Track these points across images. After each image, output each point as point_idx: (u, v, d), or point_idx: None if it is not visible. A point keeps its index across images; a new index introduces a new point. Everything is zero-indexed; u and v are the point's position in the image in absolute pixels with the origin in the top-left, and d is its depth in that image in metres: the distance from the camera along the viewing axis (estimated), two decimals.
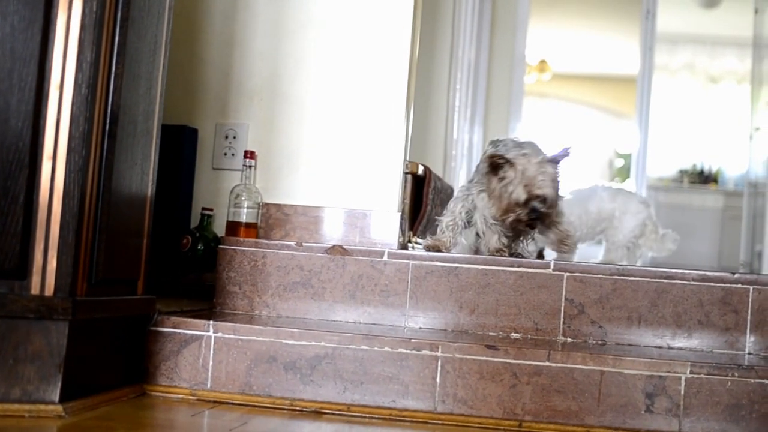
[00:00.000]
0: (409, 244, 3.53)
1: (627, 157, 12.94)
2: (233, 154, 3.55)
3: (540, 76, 12.57)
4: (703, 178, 11.63)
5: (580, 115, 14.37)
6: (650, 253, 4.64)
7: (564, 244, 3.18)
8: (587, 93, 14.28)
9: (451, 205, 3.30)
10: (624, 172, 13.38)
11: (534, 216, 3.04)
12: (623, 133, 12.65)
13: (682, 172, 11.72)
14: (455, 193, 3.43)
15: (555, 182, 3.05)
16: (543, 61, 12.46)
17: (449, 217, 3.26)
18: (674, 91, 12.40)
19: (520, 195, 3.00)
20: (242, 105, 3.57)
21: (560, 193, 3.13)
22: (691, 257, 9.71)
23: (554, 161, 3.05)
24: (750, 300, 2.89)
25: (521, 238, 3.30)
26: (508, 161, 3.01)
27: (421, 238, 3.67)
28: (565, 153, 3.06)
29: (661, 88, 11.34)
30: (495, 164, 3.02)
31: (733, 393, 2.51)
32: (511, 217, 3.06)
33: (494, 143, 3.20)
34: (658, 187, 10.85)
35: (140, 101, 2.61)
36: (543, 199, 3.02)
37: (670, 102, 12.23)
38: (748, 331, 2.88)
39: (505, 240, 3.21)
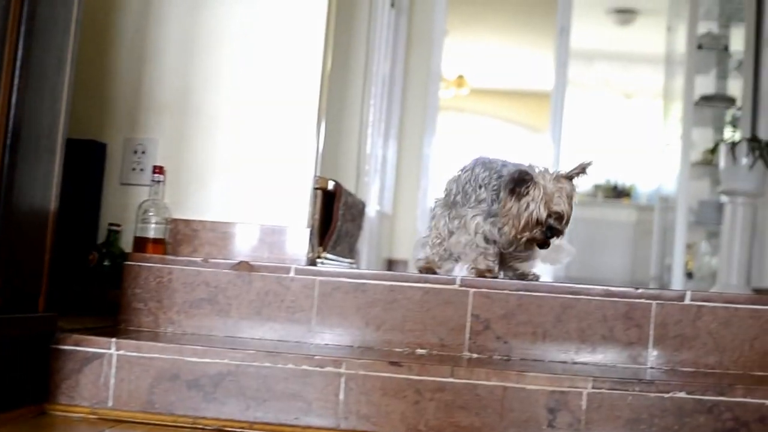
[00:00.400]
0: (319, 260, 3.52)
1: None
2: (142, 170, 3.52)
3: (458, 91, 12.65)
4: (617, 193, 11.82)
5: (498, 130, 14.48)
6: (546, 264, 4.65)
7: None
8: (504, 108, 14.40)
9: (437, 222, 3.24)
10: None
11: (549, 234, 2.98)
12: (539, 148, 12.75)
13: (597, 187, 11.89)
14: (435, 210, 3.30)
15: (570, 199, 3.00)
16: (461, 77, 12.53)
17: (434, 234, 3.23)
18: (589, 107, 12.58)
19: (542, 213, 2.93)
20: (152, 120, 3.55)
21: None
22: (605, 271, 9.84)
23: (569, 177, 3.01)
24: (653, 315, 2.93)
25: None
26: (531, 178, 2.95)
27: (331, 254, 3.67)
28: (581, 169, 3.01)
29: (576, 104, 11.48)
30: (521, 180, 2.95)
31: (634, 407, 2.54)
32: (527, 236, 2.99)
33: (485, 164, 3.13)
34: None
35: (44, 116, 2.57)
36: (559, 216, 2.97)
37: (585, 117, 12.40)
38: (650, 345, 2.92)
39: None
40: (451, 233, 3.17)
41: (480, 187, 3.08)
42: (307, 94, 3.47)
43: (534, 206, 2.92)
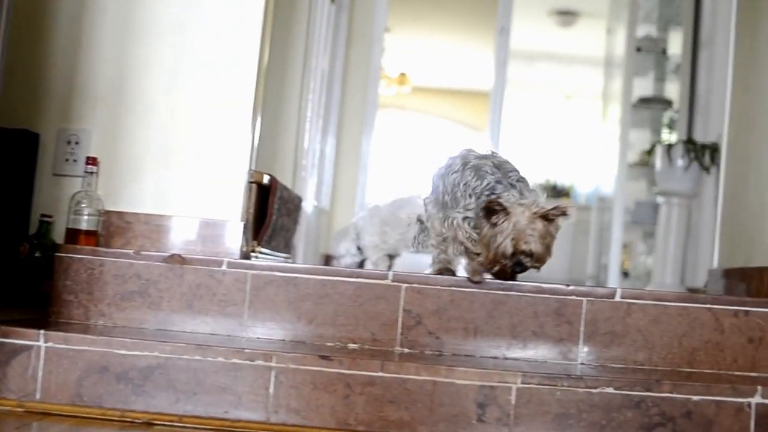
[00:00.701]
0: (253, 254, 3.51)
1: None
2: (75, 161, 3.49)
3: (400, 88, 12.67)
4: (556, 192, 11.90)
5: (439, 128, 14.53)
6: None
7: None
8: (446, 106, 14.45)
9: (433, 222, 3.18)
10: None
11: (518, 270, 2.87)
12: (480, 147, 12.84)
13: (536, 186, 11.95)
14: (429, 210, 3.25)
15: (545, 238, 2.84)
16: (403, 74, 12.56)
17: (434, 234, 3.16)
18: (529, 107, 12.66)
19: (507, 248, 2.82)
20: (86, 110, 3.51)
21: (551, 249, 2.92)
22: (544, 269, 9.91)
23: (545, 217, 2.84)
24: (583, 311, 2.95)
25: None
26: (504, 209, 2.82)
27: (266, 248, 3.66)
28: (561, 212, 2.86)
29: (516, 104, 11.55)
30: (492, 211, 2.84)
31: (562, 402, 2.57)
32: (497, 267, 2.91)
33: (476, 170, 3.01)
34: None
35: None
36: (530, 254, 2.85)
37: (525, 117, 12.48)
38: (581, 341, 2.94)
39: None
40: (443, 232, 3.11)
41: (470, 195, 2.99)
42: (242, 88, 3.45)
43: (501, 240, 2.82)
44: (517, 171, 3.03)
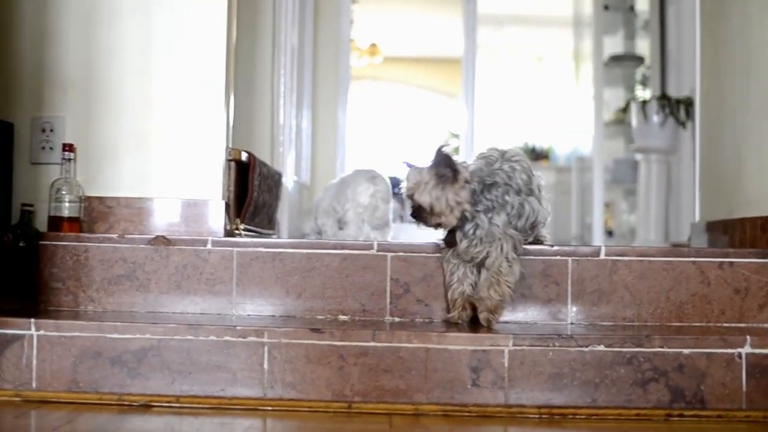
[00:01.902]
0: (237, 232, 3.51)
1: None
2: (51, 148, 3.47)
3: (371, 59, 12.61)
4: (535, 155, 11.91)
5: (414, 97, 14.51)
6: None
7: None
8: (420, 75, 14.42)
9: None
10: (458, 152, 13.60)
11: (411, 214, 2.78)
12: (456, 114, 12.81)
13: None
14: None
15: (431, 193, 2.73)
16: (374, 45, 12.50)
17: None
18: (502, 71, 12.64)
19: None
20: (58, 97, 3.49)
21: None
22: None
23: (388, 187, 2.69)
24: (570, 271, 2.97)
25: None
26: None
27: (250, 225, 3.65)
28: (395, 184, 2.75)
29: (488, 68, 11.53)
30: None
31: (555, 362, 2.58)
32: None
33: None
34: None
35: None
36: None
37: (498, 81, 12.46)
38: (569, 301, 2.96)
39: None
40: None
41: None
42: (213, 67, 3.43)
43: None
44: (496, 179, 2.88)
